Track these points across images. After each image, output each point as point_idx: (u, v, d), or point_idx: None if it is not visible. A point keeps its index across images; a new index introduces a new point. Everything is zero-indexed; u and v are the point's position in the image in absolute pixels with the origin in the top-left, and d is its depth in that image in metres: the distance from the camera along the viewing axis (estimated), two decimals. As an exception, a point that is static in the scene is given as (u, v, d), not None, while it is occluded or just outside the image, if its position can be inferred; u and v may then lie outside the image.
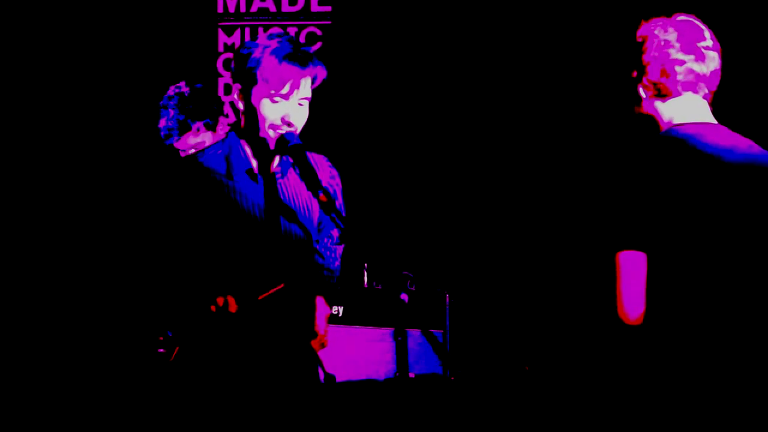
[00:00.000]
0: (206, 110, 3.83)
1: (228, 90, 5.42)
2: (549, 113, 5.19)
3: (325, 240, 3.22)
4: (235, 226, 2.86)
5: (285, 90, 2.81)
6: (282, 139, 2.83)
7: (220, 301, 2.74)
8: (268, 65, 2.82)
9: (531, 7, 5.23)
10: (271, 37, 2.88)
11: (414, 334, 2.81)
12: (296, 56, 2.83)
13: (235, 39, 5.49)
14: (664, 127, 2.52)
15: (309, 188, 2.79)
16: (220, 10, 5.51)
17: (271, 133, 2.85)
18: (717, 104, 2.56)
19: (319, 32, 5.46)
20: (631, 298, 2.33)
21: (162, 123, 3.84)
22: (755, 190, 2.41)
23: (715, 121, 2.53)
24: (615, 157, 2.42)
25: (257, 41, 2.88)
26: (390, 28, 5.35)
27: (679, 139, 2.44)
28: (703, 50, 2.50)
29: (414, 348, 3.49)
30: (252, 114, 2.87)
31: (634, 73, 2.54)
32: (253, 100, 2.85)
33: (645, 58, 2.50)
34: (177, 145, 3.83)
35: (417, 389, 4.05)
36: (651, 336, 2.35)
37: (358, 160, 5.20)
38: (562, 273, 4.93)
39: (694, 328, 2.34)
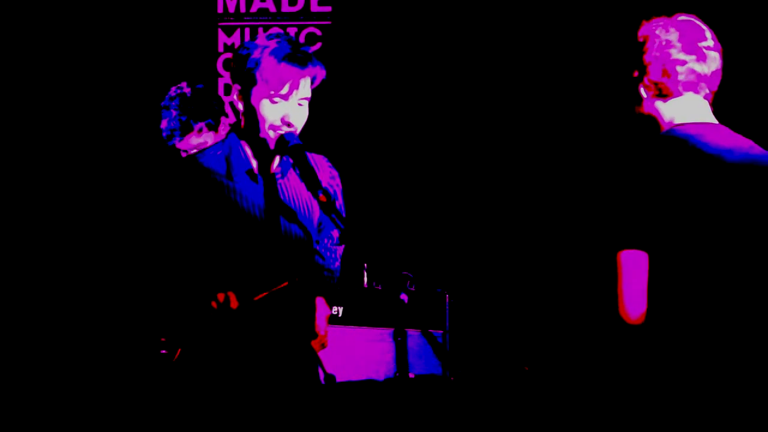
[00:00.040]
0: (208, 110, 3.82)
1: (228, 90, 5.41)
2: (550, 113, 5.18)
3: (325, 240, 3.21)
4: (236, 227, 2.86)
5: (284, 90, 2.81)
6: (282, 139, 2.82)
7: (221, 297, 2.74)
8: (268, 66, 2.81)
9: (531, 7, 5.23)
10: (270, 37, 2.87)
11: (414, 335, 2.81)
12: (295, 56, 2.82)
13: (235, 39, 5.49)
14: (665, 127, 2.52)
15: (309, 189, 2.78)
16: (220, 10, 5.51)
17: (270, 133, 2.84)
18: (718, 104, 2.56)
19: (319, 32, 5.45)
20: (633, 297, 2.33)
21: (164, 124, 3.82)
22: (756, 190, 2.41)
23: (716, 122, 2.53)
24: (616, 157, 2.42)
25: (256, 42, 2.87)
26: (390, 28, 5.35)
27: (680, 139, 2.44)
28: (704, 50, 2.50)
29: (414, 348, 3.49)
30: (252, 114, 2.86)
31: (635, 73, 2.54)
32: (253, 101, 2.85)
33: (646, 58, 2.50)
34: (179, 145, 3.82)
35: (417, 389, 4.04)
36: (652, 336, 2.34)
37: (358, 160, 5.20)
38: (562, 273, 4.93)
39: (695, 327, 2.34)
